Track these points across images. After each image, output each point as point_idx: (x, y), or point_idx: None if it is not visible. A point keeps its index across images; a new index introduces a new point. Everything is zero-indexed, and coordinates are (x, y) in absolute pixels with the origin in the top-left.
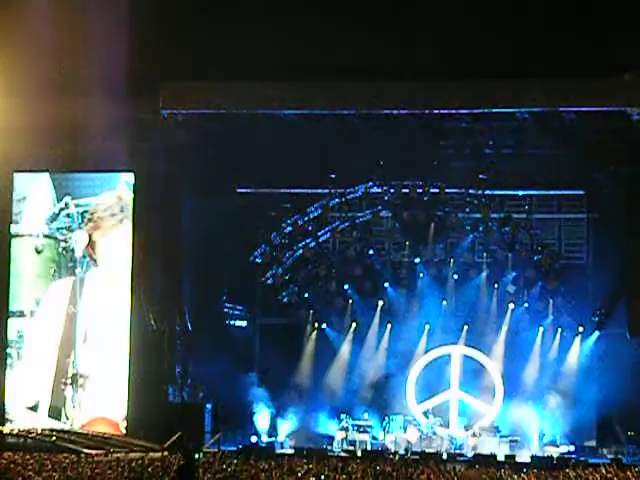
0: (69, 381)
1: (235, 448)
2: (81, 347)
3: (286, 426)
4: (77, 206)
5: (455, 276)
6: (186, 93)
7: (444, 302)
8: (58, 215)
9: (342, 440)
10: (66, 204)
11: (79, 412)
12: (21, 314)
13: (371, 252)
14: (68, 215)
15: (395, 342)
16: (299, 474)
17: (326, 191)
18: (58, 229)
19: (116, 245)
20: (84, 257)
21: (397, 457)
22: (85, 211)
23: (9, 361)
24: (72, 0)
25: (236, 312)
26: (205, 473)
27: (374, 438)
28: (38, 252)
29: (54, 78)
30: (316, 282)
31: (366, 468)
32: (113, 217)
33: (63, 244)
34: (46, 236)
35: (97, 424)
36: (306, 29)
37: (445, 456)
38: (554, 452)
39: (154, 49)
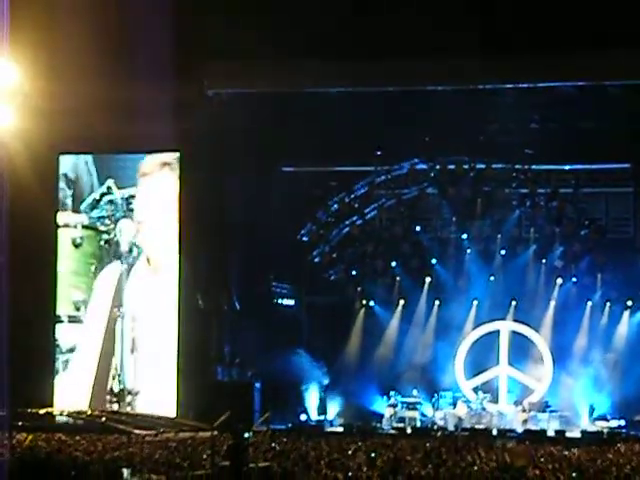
0: (114, 399)
1: (284, 427)
2: (128, 358)
3: (335, 404)
4: (121, 189)
5: (502, 252)
6: (231, 73)
7: (492, 278)
8: (99, 202)
9: (391, 417)
10: (108, 188)
11: None
12: (57, 319)
13: (418, 229)
14: (111, 202)
15: (443, 318)
16: (349, 452)
17: (372, 168)
18: (99, 218)
19: (162, 226)
20: (130, 251)
21: (440, 433)
22: (131, 196)
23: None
24: None
25: (283, 291)
26: (255, 452)
27: (423, 415)
28: (76, 246)
29: (99, 60)
30: (363, 260)
31: (416, 445)
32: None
33: (105, 236)
34: (85, 227)
35: None
36: (352, 8)
37: (495, 432)
38: (604, 427)
39: (199, 30)
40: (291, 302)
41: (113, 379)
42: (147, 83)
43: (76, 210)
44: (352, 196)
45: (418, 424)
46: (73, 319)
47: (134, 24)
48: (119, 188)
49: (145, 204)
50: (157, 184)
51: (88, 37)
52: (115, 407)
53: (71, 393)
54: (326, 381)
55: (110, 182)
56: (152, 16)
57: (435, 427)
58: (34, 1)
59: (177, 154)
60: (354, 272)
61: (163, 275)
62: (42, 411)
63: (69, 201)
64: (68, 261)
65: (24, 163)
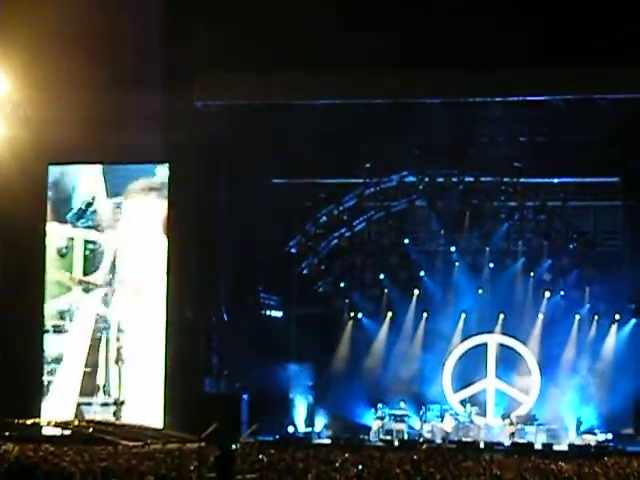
0: (99, 409)
1: (272, 438)
2: (113, 369)
3: (323, 416)
4: (108, 199)
5: (491, 265)
6: (220, 85)
7: (480, 291)
8: (85, 211)
9: (379, 430)
10: (93, 198)
11: None
12: (44, 329)
13: (406, 241)
14: (96, 211)
15: (431, 331)
16: (336, 464)
17: (361, 181)
18: (85, 228)
19: (150, 238)
20: (114, 261)
21: (425, 446)
22: (117, 206)
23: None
24: None
25: (272, 302)
26: (242, 464)
27: (411, 427)
28: (61, 255)
29: (88, 71)
30: (352, 272)
31: (403, 458)
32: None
33: (90, 246)
34: (71, 237)
35: None
36: (338, 19)
37: (482, 445)
38: (591, 440)
39: (188, 41)
40: (279, 314)
41: (98, 390)
42: (136, 94)
43: (62, 220)
44: (341, 208)
45: (405, 437)
46: (58, 329)
47: (123, 35)
48: (107, 198)
49: (131, 226)
50: (143, 207)
51: (77, 47)
52: (100, 417)
53: (57, 403)
54: (314, 393)
55: (96, 192)
56: (141, 27)
57: (422, 439)
58: (23, 11)
59: (165, 179)
60: (342, 284)
61: (150, 287)
62: (29, 421)
63: (56, 210)
64: (53, 270)
65: (13, 173)
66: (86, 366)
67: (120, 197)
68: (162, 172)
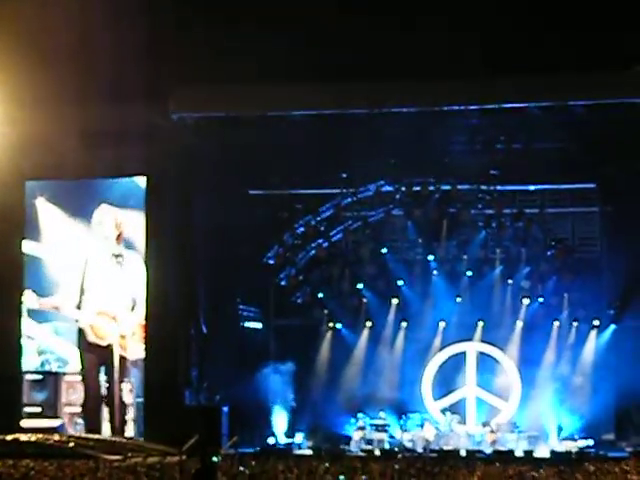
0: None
1: (253, 450)
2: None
3: (303, 427)
4: (83, 218)
5: (469, 273)
6: (196, 97)
7: (458, 299)
8: (63, 229)
9: (360, 439)
10: (71, 216)
11: None
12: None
13: (384, 251)
14: (73, 230)
15: (410, 340)
16: (317, 475)
17: (338, 191)
18: (63, 246)
19: (124, 252)
20: (83, 282)
21: (401, 455)
22: (89, 220)
23: None
24: (81, 6)
25: (250, 314)
26: (223, 476)
27: (391, 437)
28: (39, 273)
29: (63, 85)
30: (330, 282)
31: (385, 467)
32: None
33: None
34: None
35: None
36: (314, 30)
37: (463, 453)
38: (573, 447)
39: (164, 54)
40: (258, 325)
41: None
42: (113, 108)
43: (39, 238)
44: (318, 219)
45: (387, 446)
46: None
47: (100, 50)
48: (82, 217)
49: (104, 241)
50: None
51: (54, 63)
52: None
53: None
54: (294, 404)
55: (72, 210)
56: (118, 41)
57: (402, 449)
58: (0, 27)
59: (141, 193)
60: (321, 294)
61: (124, 303)
62: (9, 437)
63: (34, 228)
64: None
65: None
66: None
67: (93, 212)
68: (138, 186)
